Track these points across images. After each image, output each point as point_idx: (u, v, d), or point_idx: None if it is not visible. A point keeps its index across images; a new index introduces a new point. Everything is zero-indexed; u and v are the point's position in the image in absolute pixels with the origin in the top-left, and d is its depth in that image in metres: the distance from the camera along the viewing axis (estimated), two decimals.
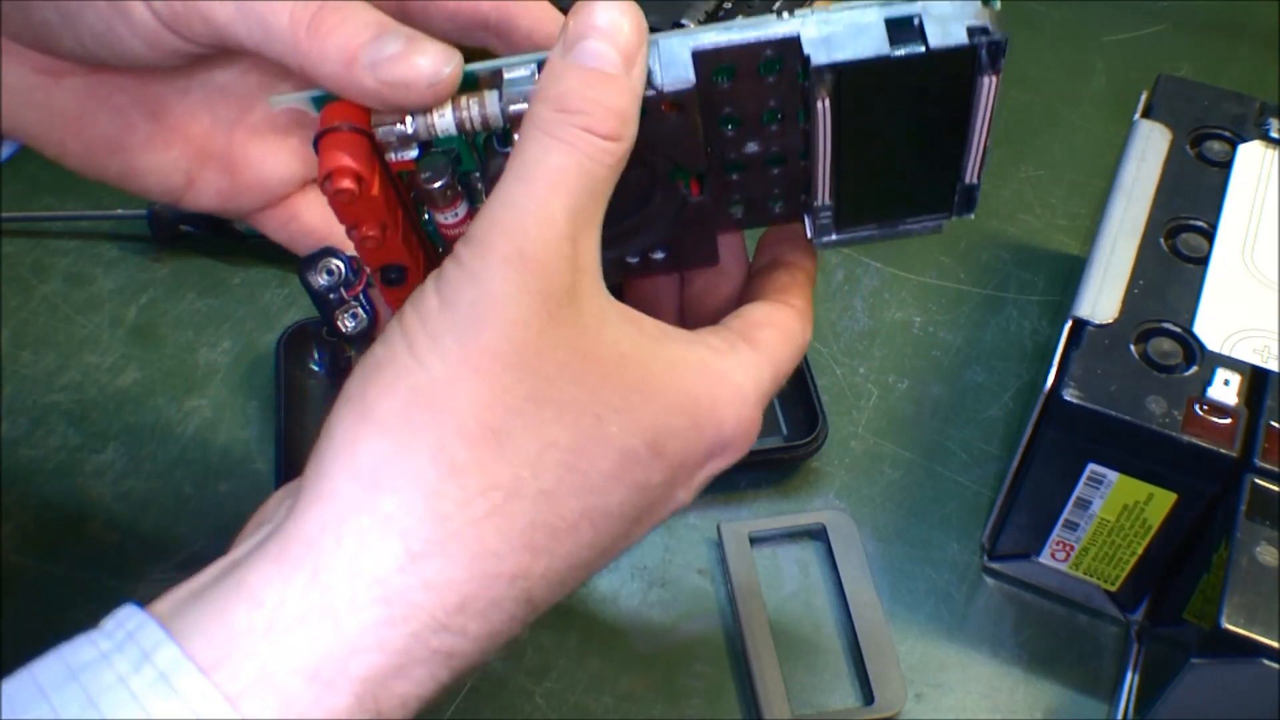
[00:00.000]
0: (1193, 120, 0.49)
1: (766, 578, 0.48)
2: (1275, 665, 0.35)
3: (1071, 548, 0.45)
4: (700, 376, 0.29)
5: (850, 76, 0.29)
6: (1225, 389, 0.40)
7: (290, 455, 0.50)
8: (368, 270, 0.32)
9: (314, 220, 0.36)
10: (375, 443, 0.26)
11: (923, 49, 0.28)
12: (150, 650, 0.24)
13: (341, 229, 0.30)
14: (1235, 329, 0.42)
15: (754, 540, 0.49)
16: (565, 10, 0.31)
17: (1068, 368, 0.41)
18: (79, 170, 0.34)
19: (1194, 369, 0.41)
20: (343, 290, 0.32)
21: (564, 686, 0.45)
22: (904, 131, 0.30)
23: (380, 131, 0.29)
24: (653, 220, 0.32)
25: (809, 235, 0.32)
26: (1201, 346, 0.41)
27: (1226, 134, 0.49)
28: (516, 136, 0.29)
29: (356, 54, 0.28)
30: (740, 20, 0.29)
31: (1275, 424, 0.39)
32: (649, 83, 0.29)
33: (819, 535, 0.49)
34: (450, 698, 0.27)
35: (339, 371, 0.53)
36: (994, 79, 0.29)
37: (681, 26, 0.59)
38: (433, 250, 0.33)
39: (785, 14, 0.29)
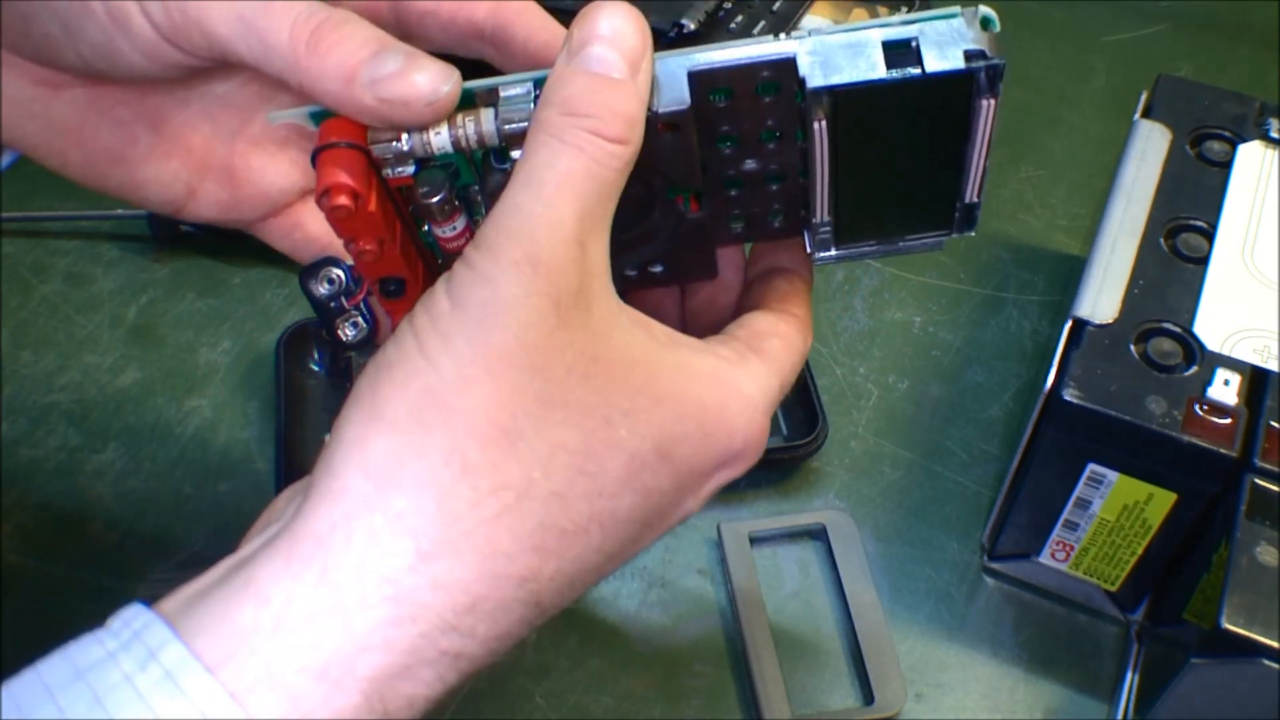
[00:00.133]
0: (1193, 120, 0.49)
1: (766, 578, 0.48)
2: (1275, 665, 0.35)
3: (1071, 548, 0.45)
4: (710, 385, 0.29)
5: (847, 99, 0.29)
6: (1225, 389, 0.40)
7: (290, 455, 0.50)
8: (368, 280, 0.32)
9: (316, 229, 0.36)
10: (387, 441, 0.26)
11: (919, 73, 0.28)
12: (156, 649, 0.24)
13: None
14: (1235, 329, 0.42)
15: (754, 540, 0.49)
16: (556, 14, 0.31)
17: (1068, 368, 0.41)
18: (80, 181, 0.34)
19: (1194, 369, 0.41)
20: (343, 299, 0.32)
21: (564, 686, 0.45)
22: (902, 152, 0.30)
23: (377, 149, 0.29)
24: (651, 235, 0.32)
25: (808, 251, 0.33)
26: (1201, 346, 0.41)
27: (1226, 134, 0.49)
28: (514, 154, 0.29)
29: (356, 71, 0.28)
30: (738, 40, 0.29)
31: (1275, 424, 0.39)
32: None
33: (819, 535, 0.49)
34: (450, 697, 0.27)
35: (339, 371, 0.53)
36: (992, 101, 0.29)
37: (681, 27, 0.60)
38: (433, 261, 0.33)
39: (783, 35, 0.29)
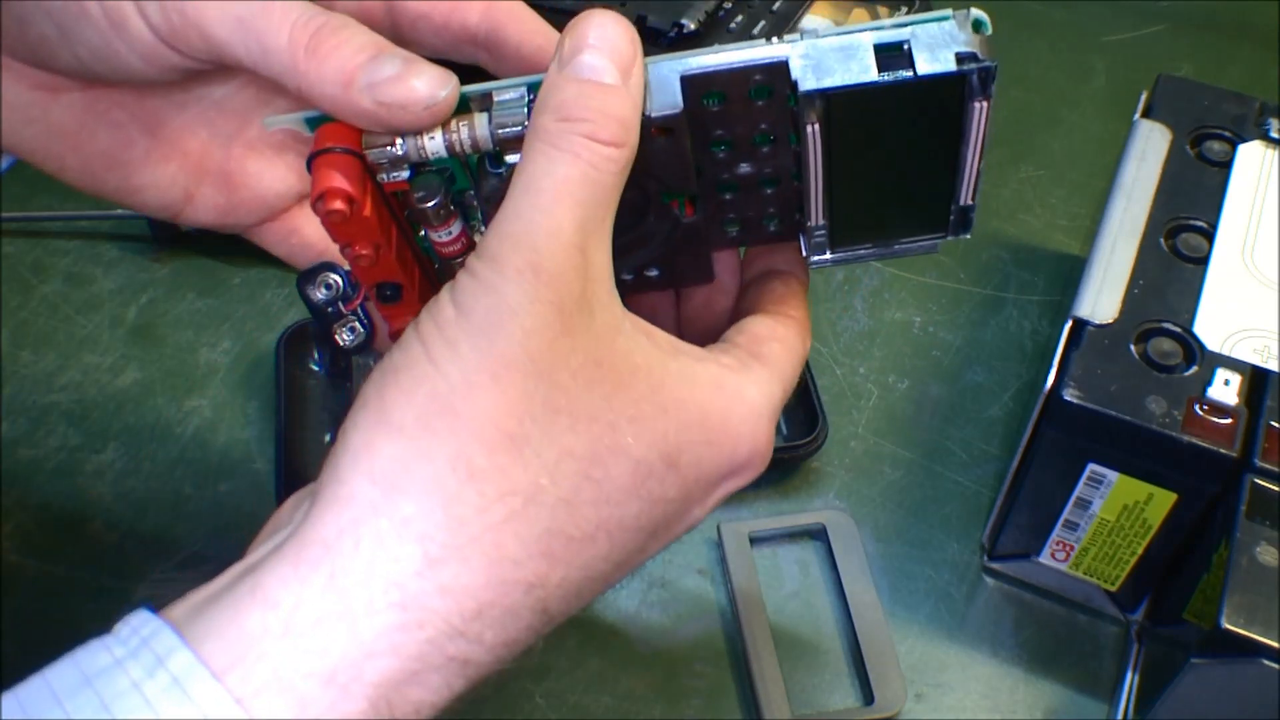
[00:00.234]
0: (1193, 120, 0.49)
1: (766, 578, 0.48)
2: (1275, 665, 0.35)
3: (1071, 548, 0.45)
4: (713, 393, 0.29)
5: (839, 102, 0.29)
6: (1225, 389, 0.40)
7: (290, 455, 0.50)
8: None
9: (313, 234, 0.36)
10: (393, 447, 0.26)
11: (911, 76, 0.28)
12: (164, 655, 0.24)
13: None
14: (1235, 329, 0.42)
15: (754, 540, 0.49)
16: (555, 14, 0.31)
17: (1068, 368, 0.41)
18: (77, 185, 0.34)
19: (1194, 369, 0.41)
20: (341, 304, 0.33)
21: (564, 686, 0.45)
22: (896, 155, 0.30)
23: (372, 154, 0.29)
24: (647, 239, 0.32)
25: (804, 254, 0.33)
26: (1201, 346, 0.41)
27: (1226, 134, 0.49)
28: (509, 159, 0.29)
29: (354, 75, 0.28)
30: (731, 44, 0.29)
31: (1275, 424, 0.39)
32: None
33: (819, 535, 0.49)
34: (457, 704, 0.27)
35: (339, 371, 0.53)
36: (985, 104, 0.29)
37: (681, 27, 0.60)
38: (429, 266, 0.33)
39: (775, 39, 0.29)
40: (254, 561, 0.26)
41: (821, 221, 0.31)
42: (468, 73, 0.31)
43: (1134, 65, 0.72)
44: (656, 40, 0.60)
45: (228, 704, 0.23)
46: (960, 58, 0.28)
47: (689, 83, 0.29)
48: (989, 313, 0.58)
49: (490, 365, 0.26)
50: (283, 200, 0.36)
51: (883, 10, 0.64)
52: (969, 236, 0.32)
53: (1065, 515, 0.44)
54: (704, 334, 0.34)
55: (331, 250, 0.32)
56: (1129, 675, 0.45)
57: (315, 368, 0.53)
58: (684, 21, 0.60)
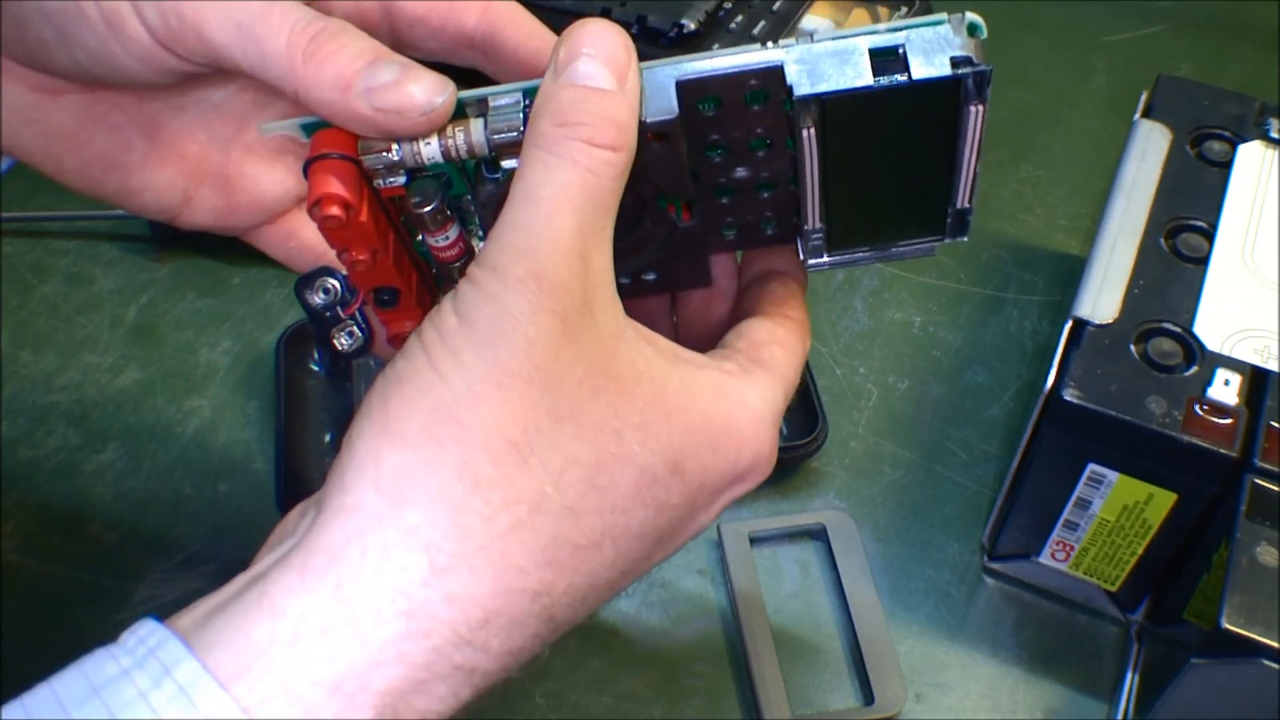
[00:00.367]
0: (1193, 120, 0.49)
1: (766, 578, 0.48)
2: (1275, 665, 0.35)
3: (1071, 548, 0.45)
4: (716, 399, 0.29)
5: (835, 107, 0.29)
6: (1225, 389, 0.40)
7: (290, 455, 0.50)
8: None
9: (311, 238, 0.36)
10: (399, 456, 0.26)
11: (906, 80, 0.28)
12: (171, 665, 0.24)
13: None
14: (1235, 329, 0.42)
15: (754, 540, 0.49)
16: (555, 14, 0.31)
17: (1068, 368, 0.41)
18: (76, 188, 0.34)
19: (1194, 369, 0.41)
20: (339, 309, 0.33)
21: (564, 686, 0.45)
22: (892, 158, 0.30)
23: (368, 159, 0.29)
24: (644, 244, 0.32)
25: (801, 258, 0.33)
26: (1201, 346, 0.41)
27: (1226, 134, 0.49)
28: (505, 164, 0.29)
29: (352, 80, 0.28)
30: (727, 49, 0.29)
31: (1275, 424, 0.39)
32: None
33: (819, 535, 0.49)
34: (463, 713, 0.27)
35: (339, 372, 0.53)
36: (980, 108, 0.29)
37: (681, 27, 0.60)
38: (426, 272, 0.33)
39: (770, 43, 0.29)
40: (260, 571, 0.26)
41: (818, 225, 0.31)
42: (465, 76, 0.31)
43: (1134, 65, 0.72)
44: (656, 40, 0.60)
45: (234, 713, 0.23)
46: (955, 62, 0.28)
47: (684, 88, 0.29)
48: (989, 313, 0.58)
49: (494, 374, 0.26)
50: (281, 203, 0.36)
51: (883, 11, 0.64)
52: (966, 239, 0.32)
53: (1065, 515, 0.44)
54: (701, 338, 0.34)
55: (328, 255, 0.32)
56: (1129, 675, 0.45)
57: (315, 368, 0.53)
58: (684, 22, 0.60)
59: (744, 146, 0.30)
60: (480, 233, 0.32)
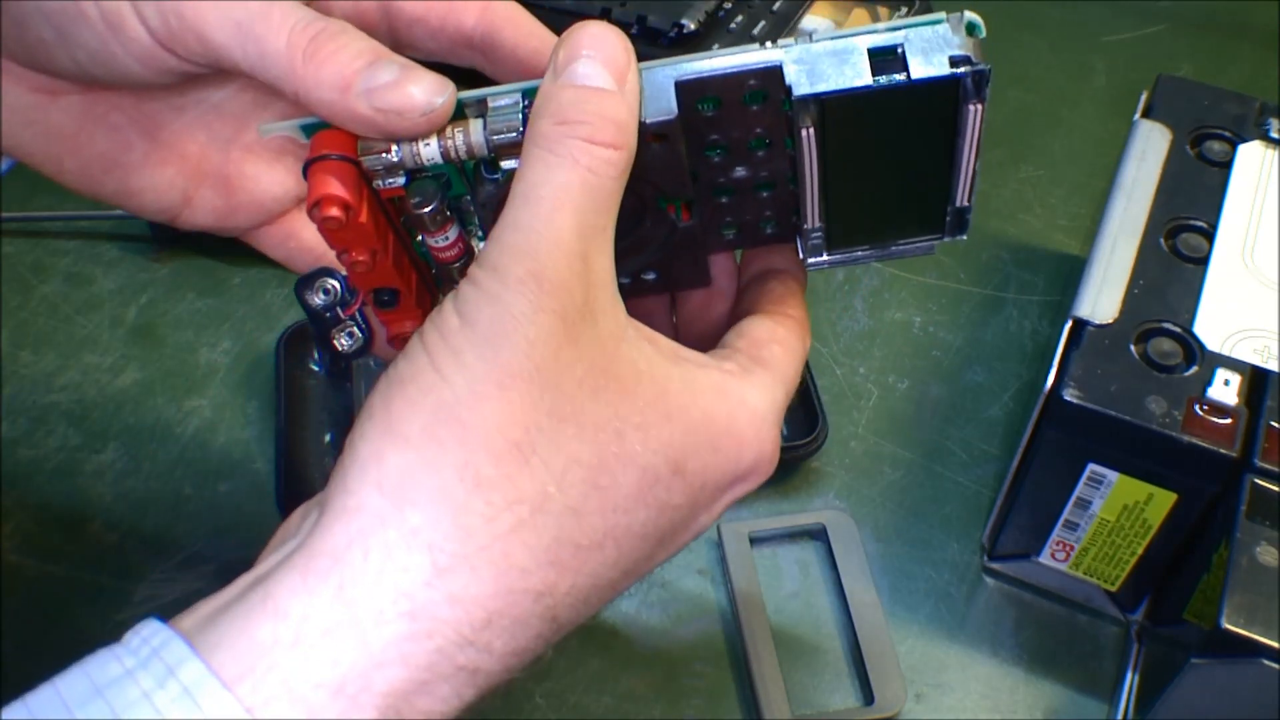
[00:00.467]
0: (1193, 120, 0.49)
1: (766, 578, 0.48)
2: (1275, 665, 0.35)
3: (1071, 548, 0.45)
4: (717, 399, 0.29)
5: (834, 107, 0.29)
6: (1225, 389, 0.40)
7: (290, 455, 0.50)
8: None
9: (311, 238, 0.36)
10: (401, 458, 0.26)
11: (905, 80, 0.28)
12: (174, 666, 0.24)
13: None
14: (1235, 329, 0.42)
15: (754, 540, 0.49)
16: (555, 14, 0.31)
17: (1068, 368, 0.41)
18: (76, 188, 0.34)
19: (1194, 369, 0.41)
20: (339, 309, 0.33)
21: (564, 686, 0.45)
22: (891, 157, 0.30)
23: (367, 160, 0.29)
24: (644, 244, 0.32)
25: (801, 256, 0.33)
26: (1201, 346, 0.41)
27: (1226, 134, 0.49)
28: (504, 164, 0.29)
29: (352, 81, 0.28)
30: (726, 49, 0.29)
31: (1275, 424, 0.39)
32: None
33: (819, 535, 0.49)
34: (466, 714, 0.27)
35: (339, 372, 0.53)
36: (979, 107, 0.29)
37: (681, 27, 0.60)
38: (426, 272, 0.33)
39: (769, 43, 0.29)
40: (263, 572, 0.26)
41: (818, 224, 0.31)
42: (464, 76, 0.31)
43: (1134, 65, 0.72)
44: (656, 40, 0.60)
45: (238, 713, 0.23)
46: (954, 61, 0.28)
47: (683, 89, 0.29)
48: (989, 313, 0.58)
49: (496, 375, 0.26)
50: (281, 204, 0.36)
51: (883, 11, 0.64)
52: (965, 238, 0.32)
53: (1065, 515, 0.44)
54: (701, 337, 0.34)
55: (328, 256, 0.32)
56: (1129, 675, 0.45)
57: (315, 368, 0.53)
58: (684, 22, 0.60)
59: (743, 146, 0.30)
60: (480, 233, 0.32)
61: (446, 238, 0.31)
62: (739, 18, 0.62)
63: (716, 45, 0.60)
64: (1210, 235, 0.45)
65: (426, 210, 0.30)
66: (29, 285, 0.58)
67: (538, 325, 0.26)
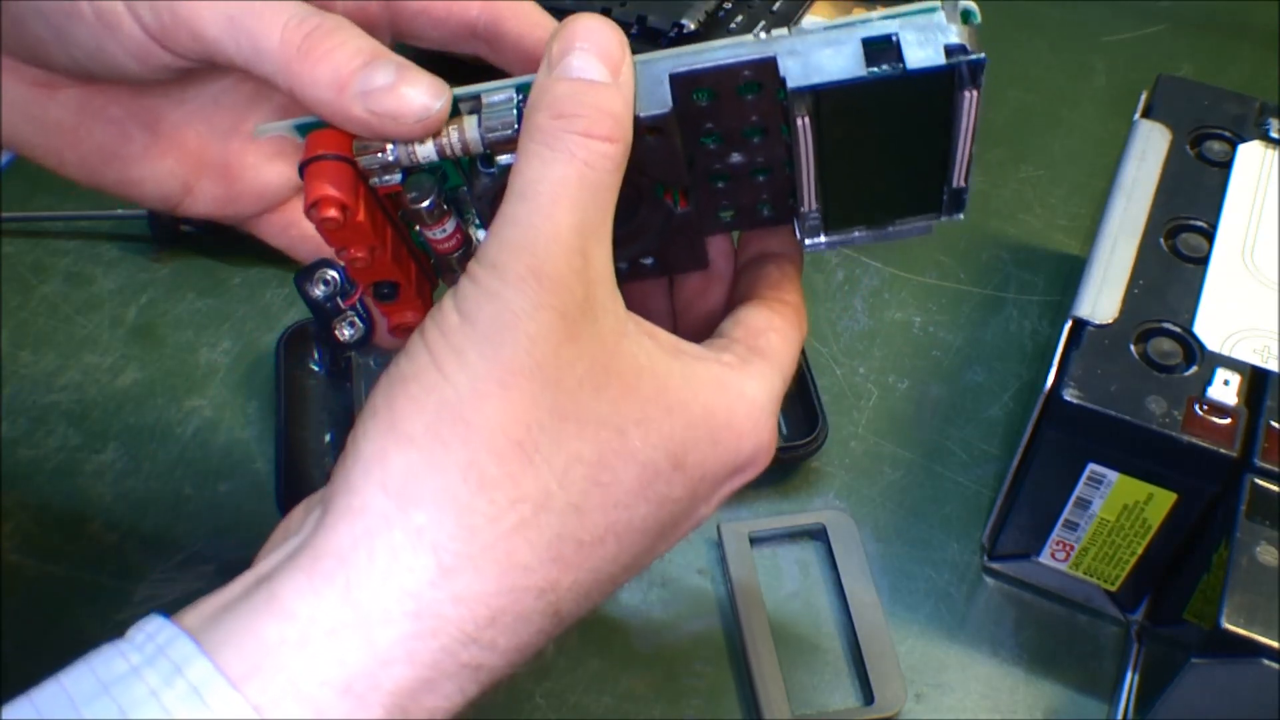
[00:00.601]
0: (1193, 120, 0.49)
1: (766, 578, 0.48)
2: (1275, 665, 0.35)
3: (1071, 548, 0.45)
4: (716, 392, 0.29)
5: (829, 97, 0.28)
6: (1225, 389, 0.40)
7: (290, 455, 0.50)
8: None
9: (311, 227, 0.36)
10: (405, 457, 0.26)
11: (900, 70, 0.28)
12: (181, 664, 0.24)
13: None
14: (1235, 329, 0.42)
15: (754, 540, 0.49)
16: (555, 14, 0.31)
17: (1068, 368, 0.41)
18: (76, 180, 0.35)
19: (1194, 369, 0.41)
20: (339, 300, 0.33)
21: (564, 686, 0.45)
22: (887, 144, 0.30)
23: (363, 160, 0.29)
24: (641, 232, 0.32)
25: (798, 238, 0.33)
26: (1201, 346, 0.41)
27: (1226, 134, 0.49)
28: (500, 159, 0.29)
29: (348, 81, 0.28)
30: (721, 40, 0.29)
31: (1275, 424, 0.39)
32: None
33: (819, 535, 0.49)
34: (469, 709, 0.27)
35: (339, 371, 0.53)
36: (975, 93, 0.28)
37: (681, 27, 0.60)
38: (425, 261, 0.33)
39: (763, 34, 0.29)
40: (268, 570, 0.26)
41: (815, 207, 0.31)
42: (467, 67, 0.31)
43: (1134, 65, 0.72)
44: (656, 40, 0.60)
45: (246, 713, 0.23)
46: (949, 50, 0.28)
47: (677, 82, 0.29)
48: (989, 313, 0.58)
49: (497, 373, 0.26)
50: (281, 192, 0.36)
51: (882, 9, 0.64)
52: (962, 217, 0.32)
53: (1065, 515, 0.44)
54: (699, 321, 0.34)
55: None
56: (1129, 675, 0.45)
57: (315, 368, 0.53)
58: (684, 21, 0.60)
59: (739, 135, 0.30)
60: (478, 221, 0.32)
61: (445, 230, 0.31)
62: (739, 17, 0.62)
63: (706, 41, 0.60)
64: (1210, 235, 0.45)
65: (424, 205, 0.30)
66: (29, 285, 0.58)
67: (538, 322, 0.26)
